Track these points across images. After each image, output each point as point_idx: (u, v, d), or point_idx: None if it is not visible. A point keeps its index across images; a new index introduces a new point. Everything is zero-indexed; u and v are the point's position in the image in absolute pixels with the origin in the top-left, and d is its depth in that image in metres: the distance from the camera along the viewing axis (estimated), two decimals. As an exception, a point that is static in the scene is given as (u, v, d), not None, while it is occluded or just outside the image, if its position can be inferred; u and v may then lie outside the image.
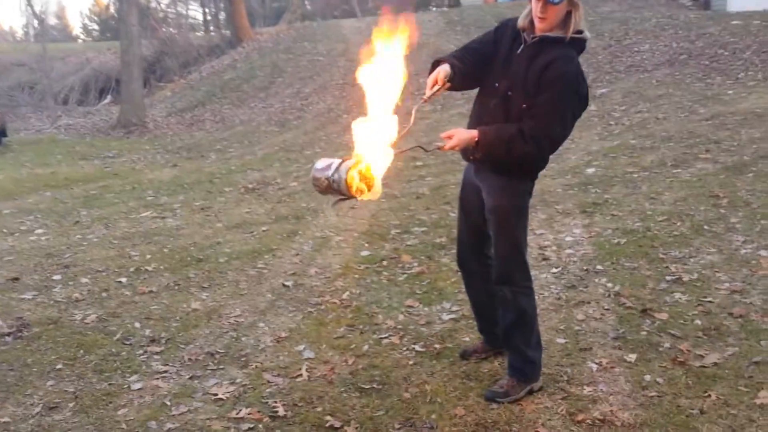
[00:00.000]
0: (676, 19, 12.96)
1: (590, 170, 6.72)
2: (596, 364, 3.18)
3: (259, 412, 2.96)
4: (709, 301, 3.74)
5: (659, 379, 2.98)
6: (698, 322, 3.51)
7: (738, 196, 5.30)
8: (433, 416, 2.83)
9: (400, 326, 3.80)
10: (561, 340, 3.45)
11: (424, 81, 2.81)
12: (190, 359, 3.52)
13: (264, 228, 6.08)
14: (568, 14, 2.64)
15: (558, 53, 2.63)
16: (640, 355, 3.21)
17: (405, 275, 4.59)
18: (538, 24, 2.65)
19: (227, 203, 7.29)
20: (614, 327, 3.55)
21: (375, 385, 3.12)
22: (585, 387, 2.97)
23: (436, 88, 2.69)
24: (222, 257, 5.25)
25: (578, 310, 3.81)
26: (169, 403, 3.06)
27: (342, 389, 3.12)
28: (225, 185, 8.25)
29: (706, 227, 4.83)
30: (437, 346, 3.52)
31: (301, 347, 3.60)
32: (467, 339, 3.57)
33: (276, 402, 3.02)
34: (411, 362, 3.36)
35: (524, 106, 2.66)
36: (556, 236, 5.10)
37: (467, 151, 2.81)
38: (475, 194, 2.97)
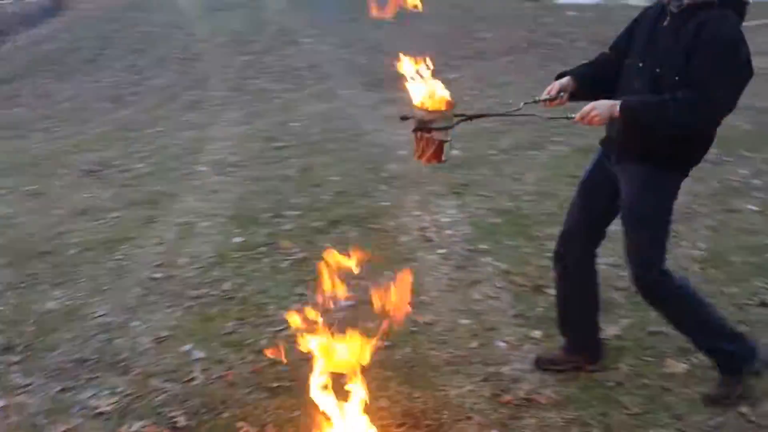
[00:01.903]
0: (516, 10, 13.67)
1: (454, 152, 6.82)
2: (505, 342, 3.18)
3: (155, 424, 2.61)
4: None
5: (567, 355, 3.04)
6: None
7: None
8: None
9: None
10: (465, 321, 3.43)
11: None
12: (56, 369, 3.03)
13: (114, 215, 5.49)
14: None
15: (710, 14, 2.34)
16: (543, 332, 3.26)
17: (288, 262, 4.33)
18: None
19: (63, 188, 6.50)
20: (512, 305, 3.60)
21: (284, 383, 2.88)
22: (501, 366, 2.96)
23: (546, 97, 2.57)
24: (71, 248, 4.64)
25: (473, 290, 3.81)
26: (43, 422, 2.60)
27: (247, 390, 2.84)
28: (57, 167, 7.35)
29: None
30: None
31: (187, 347, 3.25)
32: (371, 325, 3.41)
33: (173, 411, 2.68)
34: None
35: (677, 78, 2.35)
36: (433, 217, 5.10)
37: (610, 130, 2.56)
38: (608, 184, 2.64)
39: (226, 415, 2.65)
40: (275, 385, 2.87)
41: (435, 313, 3.52)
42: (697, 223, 4.57)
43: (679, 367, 2.88)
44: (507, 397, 2.71)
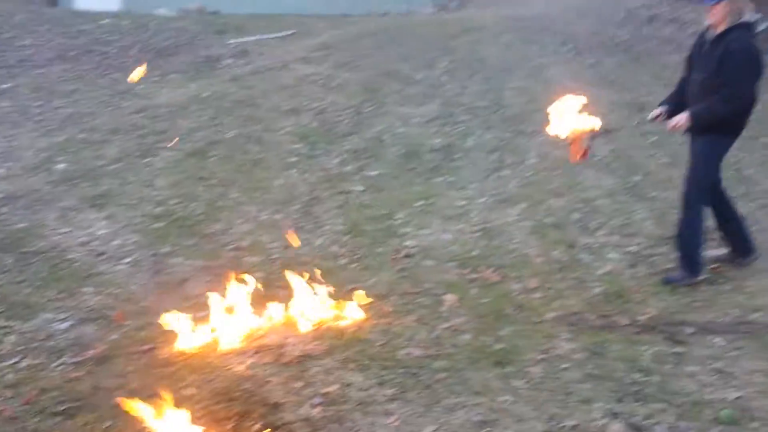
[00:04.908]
0: (42, 15, 12.78)
1: (60, 166, 6.53)
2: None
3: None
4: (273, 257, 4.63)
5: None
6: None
7: (221, 176, 6.27)
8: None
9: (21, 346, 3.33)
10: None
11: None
12: None
13: None
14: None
15: (730, 37, 3.96)
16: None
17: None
18: (709, 22, 4.08)
19: None
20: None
21: (69, 405, 2.84)
22: (269, 336, 3.47)
23: (653, 117, 4.44)
24: None
25: (185, 288, 4.11)
26: None
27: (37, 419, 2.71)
28: None
29: (219, 203, 5.64)
30: (91, 352, 3.33)
31: None
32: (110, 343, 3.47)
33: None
34: (78, 373, 3.12)
35: (716, 81, 3.93)
36: (86, 231, 5.03)
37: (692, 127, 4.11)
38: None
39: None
40: (61, 408, 2.81)
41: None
42: None
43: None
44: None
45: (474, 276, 4.39)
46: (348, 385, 3.20)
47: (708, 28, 4.20)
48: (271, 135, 7.28)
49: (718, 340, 3.63)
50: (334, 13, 15.64)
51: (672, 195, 5.66)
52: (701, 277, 4.29)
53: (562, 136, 4.15)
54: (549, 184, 6.03)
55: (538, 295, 4.15)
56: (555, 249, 4.79)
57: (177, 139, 6.88)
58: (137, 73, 4.66)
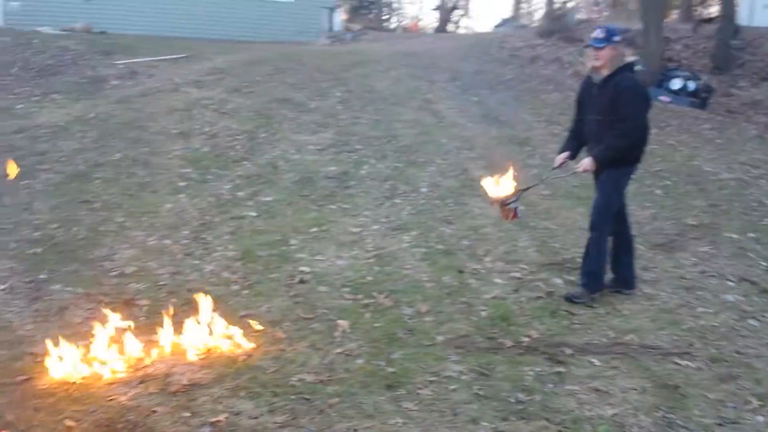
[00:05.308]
0: None
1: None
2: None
3: None
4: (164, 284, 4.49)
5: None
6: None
7: (105, 199, 6.00)
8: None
9: None
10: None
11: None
12: None
13: None
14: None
15: (618, 78, 4.30)
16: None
17: None
18: (594, 65, 4.38)
19: None
20: (117, 318, 3.87)
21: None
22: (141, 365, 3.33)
23: (557, 166, 4.76)
24: None
25: (66, 315, 3.89)
26: None
27: None
28: None
29: (103, 228, 5.39)
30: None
31: None
32: None
33: None
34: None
35: (611, 118, 4.25)
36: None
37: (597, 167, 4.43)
38: None
39: None
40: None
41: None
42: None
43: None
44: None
45: (367, 301, 4.44)
46: (237, 413, 3.13)
47: (593, 71, 4.47)
48: (159, 158, 7.08)
49: (596, 361, 3.85)
50: (227, 39, 15.51)
51: (551, 225, 6.02)
52: (597, 294, 4.60)
53: (492, 202, 4.62)
54: (440, 213, 6.23)
55: (429, 318, 4.25)
56: (445, 274, 4.94)
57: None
58: (11, 170, 4.55)
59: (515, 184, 4.47)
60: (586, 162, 4.45)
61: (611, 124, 4.31)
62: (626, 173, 4.57)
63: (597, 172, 4.55)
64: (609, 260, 4.73)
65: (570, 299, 4.57)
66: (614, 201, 4.58)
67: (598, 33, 4.40)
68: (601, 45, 4.32)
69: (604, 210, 4.55)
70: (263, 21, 17.27)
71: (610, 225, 4.60)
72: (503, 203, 4.49)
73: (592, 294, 4.59)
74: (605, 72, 4.38)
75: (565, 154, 4.73)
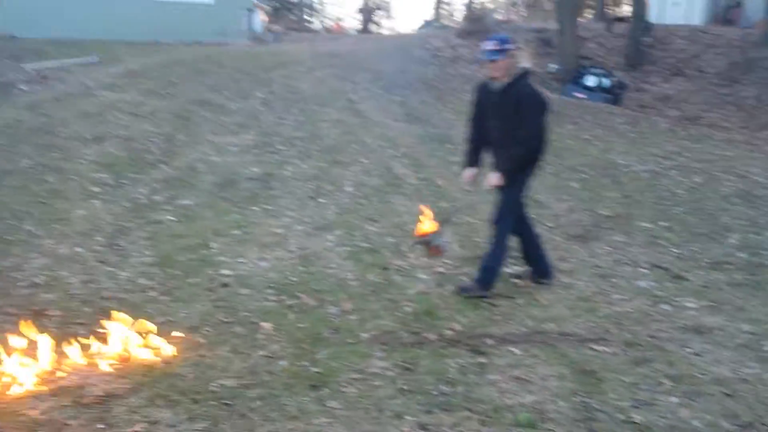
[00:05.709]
0: None
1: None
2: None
3: None
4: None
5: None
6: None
7: (13, 208, 5.70)
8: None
9: None
10: None
11: None
12: None
13: None
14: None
15: (518, 85, 4.33)
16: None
17: None
18: (493, 76, 4.36)
19: None
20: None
21: None
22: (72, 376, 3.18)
23: (468, 185, 4.84)
24: None
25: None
26: None
27: None
28: None
29: (11, 237, 5.12)
30: None
31: None
32: None
33: None
34: None
35: (513, 126, 4.31)
36: None
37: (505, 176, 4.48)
38: None
39: None
40: None
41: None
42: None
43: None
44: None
45: (291, 302, 4.38)
46: (155, 422, 3.02)
47: (491, 79, 4.45)
48: (71, 164, 6.79)
49: (516, 350, 3.93)
50: (142, 40, 15.04)
51: (474, 221, 6.11)
52: (489, 292, 4.64)
53: (416, 243, 4.88)
54: (365, 211, 6.23)
55: (354, 317, 4.23)
56: (370, 272, 4.94)
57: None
58: None
59: (434, 221, 4.66)
60: (493, 178, 4.51)
61: (515, 131, 4.38)
62: (526, 178, 4.62)
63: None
64: (521, 257, 4.91)
65: (462, 292, 4.63)
66: (514, 206, 4.65)
67: (491, 45, 4.38)
68: (497, 57, 4.33)
69: (507, 209, 4.61)
70: (182, 23, 16.85)
71: (513, 223, 4.66)
72: (427, 243, 4.67)
73: (484, 291, 4.62)
74: (505, 80, 4.39)
75: (473, 170, 4.74)
